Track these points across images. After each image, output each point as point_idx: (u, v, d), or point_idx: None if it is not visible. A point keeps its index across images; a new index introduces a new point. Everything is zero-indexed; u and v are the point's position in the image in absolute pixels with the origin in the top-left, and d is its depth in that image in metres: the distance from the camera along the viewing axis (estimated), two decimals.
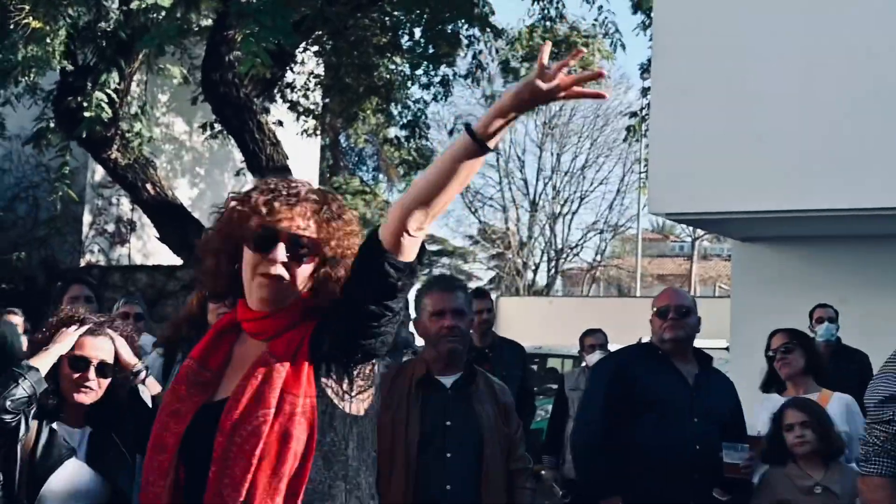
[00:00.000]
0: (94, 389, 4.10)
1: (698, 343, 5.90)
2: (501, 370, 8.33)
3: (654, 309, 5.79)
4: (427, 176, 2.79)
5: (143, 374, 4.28)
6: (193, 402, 2.84)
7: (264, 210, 2.84)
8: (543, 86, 2.67)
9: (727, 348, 10.94)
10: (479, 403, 5.02)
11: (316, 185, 3.02)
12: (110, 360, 4.17)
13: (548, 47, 2.75)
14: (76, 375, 4.09)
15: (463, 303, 5.07)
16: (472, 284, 46.50)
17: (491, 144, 2.71)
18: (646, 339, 7.09)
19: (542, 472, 9.31)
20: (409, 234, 2.78)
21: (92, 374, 4.09)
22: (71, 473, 4.00)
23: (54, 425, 4.04)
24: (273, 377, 2.81)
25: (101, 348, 4.16)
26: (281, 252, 2.83)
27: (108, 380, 4.15)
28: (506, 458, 5.05)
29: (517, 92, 2.69)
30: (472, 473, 4.88)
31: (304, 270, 2.88)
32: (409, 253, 2.83)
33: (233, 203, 2.92)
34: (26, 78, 11.54)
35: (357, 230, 3.00)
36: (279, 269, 2.83)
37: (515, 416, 5.22)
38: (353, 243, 2.94)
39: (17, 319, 7.98)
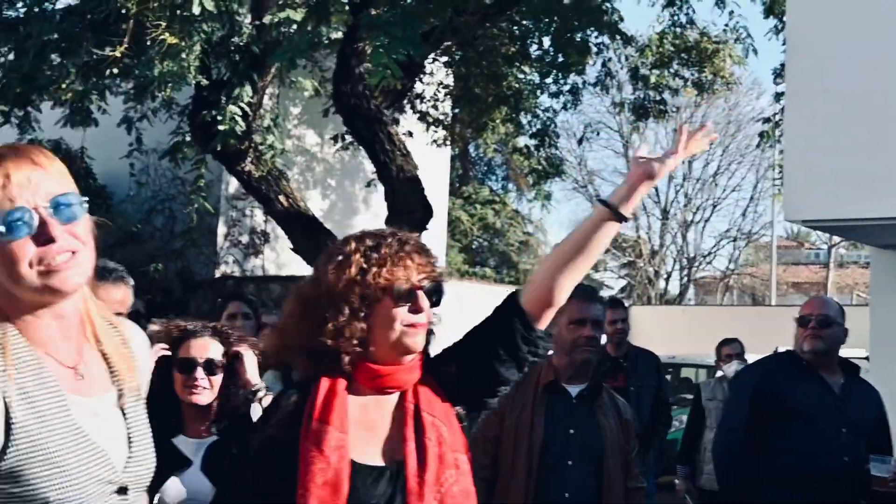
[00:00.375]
0: (205, 388, 4.14)
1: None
2: (636, 380, 8.27)
3: (797, 317, 5.70)
4: (565, 247, 3.01)
5: (261, 394, 4.29)
6: (339, 469, 2.80)
7: (401, 264, 2.95)
8: (662, 169, 2.93)
9: (866, 358, 10.66)
10: (604, 416, 5.03)
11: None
12: (218, 357, 4.19)
13: (683, 135, 2.97)
14: (184, 378, 4.14)
15: (602, 314, 5.12)
16: (604, 293, 46.25)
17: (627, 214, 2.94)
18: (783, 348, 6.94)
19: (676, 481, 9.21)
20: (554, 306, 3.01)
21: (200, 373, 4.13)
22: (187, 483, 4.03)
23: (174, 440, 4.09)
24: (442, 435, 2.91)
25: (206, 348, 4.20)
26: (425, 301, 2.96)
27: (219, 377, 4.17)
28: (624, 476, 5.03)
29: (643, 170, 2.93)
30: (591, 483, 4.89)
31: (432, 315, 3.00)
32: (546, 322, 3.05)
33: (341, 263, 2.97)
34: (163, 93, 11.76)
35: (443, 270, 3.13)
36: (429, 317, 2.97)
37: (634, 435, 5.21)
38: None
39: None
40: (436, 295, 2.98)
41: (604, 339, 8.64)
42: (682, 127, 2.96)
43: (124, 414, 2.49)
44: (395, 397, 2.99)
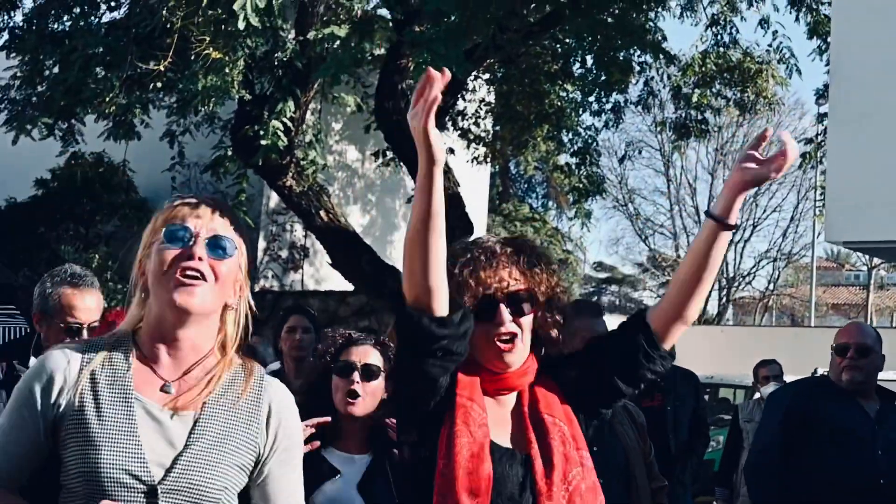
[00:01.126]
0: (361, 395, 4.11)
1: None
2: (674, 399, 8.20)
3: (834, 344, 5.58)
4: (686, 265, 3.01)
5: None
6: (483, 443, 2.89)
7: (472, 282, 2.96)
8: (753, 171, 2.93)
9: None
10: (620, 425, 4.99)
11: (502, 235, 3.13)
12: (378, 363, 4.17)
13: (768, 135, 3.02)
14: (343, 382, 4.14)
15: (604, 329, 5.02)
16: None
17: (732, 221, 2.95)
18: (822, 370, 6.86)
19: (715, 503, 9.16)
20: (684, 322, 3.01)
21: (357, 377, 4.11)
22: (336, 495, 4.03)
23: (323, 452, 4.08)
24: (564, 434, 2.98)
25: (366, 353, 4.19)
26: (506, 314, 2.95)
27: (378, 383, 4.15)
28: (648, 480, 5.03)
29: (744, 178, 2.94)
30: (622, 495, 4.82)
31: (528, 321, 3.01)
32: (672, 341, 3.07)
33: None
34: (205, 107, 11.82)
35: (555, 265, 3.14)
36: (511, 328, 2.96)
37: (647, 438, 5.18)
38: (559, 280, 3.10)
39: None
40: (520, 303, 2.98)
41: None
42: (784, 133, 3.00)
43: (192, 435, 2.65)
44: (512, 398, 3.04)
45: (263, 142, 11.52)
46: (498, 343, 2.96)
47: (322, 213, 13.47)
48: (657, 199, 46.44)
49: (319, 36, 10.68)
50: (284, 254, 18.94)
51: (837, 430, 5.39)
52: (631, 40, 12.67)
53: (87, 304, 4.62)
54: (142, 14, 10.89)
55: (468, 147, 17.55)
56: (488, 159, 18.95)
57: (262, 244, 18.34)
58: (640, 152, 34.79)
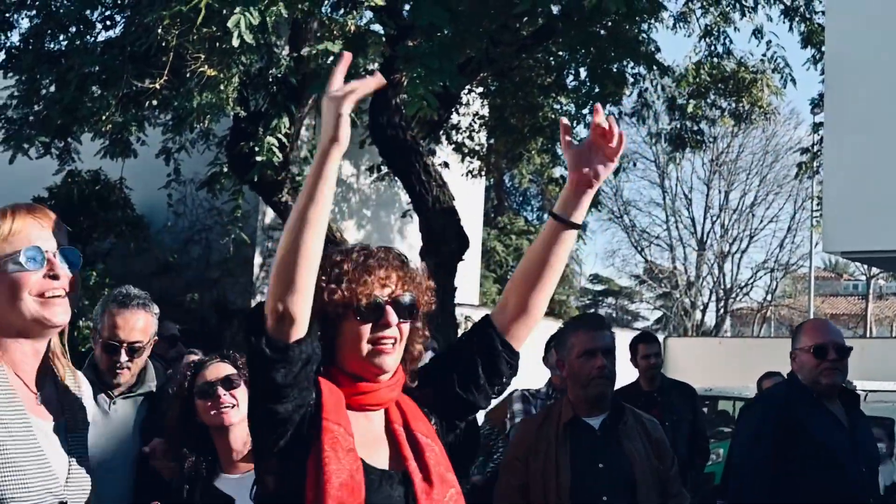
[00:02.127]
0: (231, 405, 4.17)
1: (870, 386, 5.62)
2: (671, 414, 8.22)
3: (808, 346, 5.23)
4: (529, 264, 2.98)
5: None
6: (354, 470, 2.75)
7: (362, 280, 2.87)
8: (602, 175, 2.97)
9: None
10: (630, 441, 4.89)
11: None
12: (234, 372, 4.24)
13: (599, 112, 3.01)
14: (208, 402, 4.19)
15: (612, 342, 4.97)
16: (639, 325, 46.04)
17: (578, 220, 2.95)
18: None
19: None
20: (531, 323, 2.99)
21: (220, 391, 4.18)
22: None
23: (214, 482, 4.11)
24: (436, 454, 2.89)
25: (218, 369, 4.25)
26: (392, 316, 2.87)
27: (241, 391, 4.16)
28: (661, 497, 4.89)
29: (584, 179, 2.95)
30: None
31: (408, 329, 2.94)
32: (521, 343, 3.02)
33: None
34: (201, 124, 11.85)
35: (429, 285, 3.04)
36: (395, 332, 2.87)
37: (669, 450, 5.06)
38: (432, 298, 3.02)
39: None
40: (405, 309, 2.90)
41: (636, 373, 8.60)
42: (597, 108, 3.02)
43: (68, 441, 2.85)
44: (380, 414, 2.94)
45: (259, 158, 11.55)
46: (380, 345, 2.85)
47: None
48: (653, 211, 46.52)
49: (313, 52, 10.71)
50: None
51: (825, 448, 5.07)
52: (624, 52, 12.71)
53: (130, 325, 4.73)
54: (137, 33, 10.91)
55: (462, 160, 17.59)
56: (483, 172, 18.99)
57: (258, 260, 18.36)
58: (634, 164, 34.71)
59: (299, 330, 2.66)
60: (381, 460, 2.85)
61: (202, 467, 4.10)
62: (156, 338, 4.94)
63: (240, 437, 4.10)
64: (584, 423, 4.90)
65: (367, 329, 2.86)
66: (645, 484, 4.81)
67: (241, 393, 4.12)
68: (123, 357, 4.73)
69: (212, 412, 4.14)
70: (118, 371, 4.77)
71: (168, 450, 4.20)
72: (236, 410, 4.11)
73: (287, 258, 2.64)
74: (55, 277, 2.78)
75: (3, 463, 2.63)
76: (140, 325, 4.76)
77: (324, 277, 2.84)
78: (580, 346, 4.89)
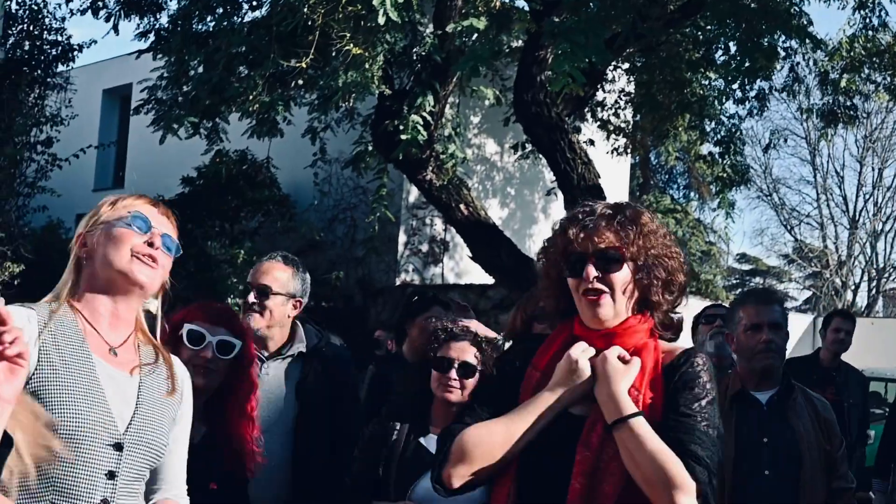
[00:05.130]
0: (456, 388, 4.25)
1: None
2: (849, 396, 8.04)
3: None
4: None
5: None
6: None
7: (565, 240, 3.06)
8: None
9: None
10: (797, 419, 4.81)
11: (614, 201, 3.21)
12: (474, 361, 4.29)
13: None
14: (440, 375, 4.28)
15: (780, 316, 4.92)
16: (787, 305, 45.16)
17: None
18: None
19: (872, 495, 8.95)
20: None
21: (454, 373, 4.25)
22: None
23: (421, 439, 4.26)
24: (638, 402, 2.94)
25: (464, 350, 4.31)
26: (591, 270, 2.99)
27: (472, 380, 4.26)
28: (826, 477, 4.81)
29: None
30: (790, 492, 4.70)
31: (618, 279, 3.02)
32: None
33: (546, 245, 3.18)
34: (346, 103, 11.91)
35: (658, 230, 3.11)
36: (596, 284, 2.99)
37: (838, 432, 4.97)
38: (658, 244, 3.07)
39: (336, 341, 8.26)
40: (601, 262, 3.00)
41: (814, 345, 8.45)
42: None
43: (140, 396, 3.03)
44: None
45: (403, 136, 11.56)
46: (584, 297, 3.01)
47: (462, 206, 13.45)
48: (803, 189, 45.69)
49: (458, 29, 10.66)
50: (425, 248, 19.03)
51: None
52: (775, 25, 12.36)
53: (262, 270, 5.10)
54: (283, 13, 10.99)
55: (608, 138, 17.44)
56: (628, 150, 18.81)
57: (402, 238, 18.46)
58: (785, 140, 34.07)
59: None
60: (584, 402, 2.99)
61: (416, 427, 4.31)
62: (299, 299, 5.10)
63: (457, 405, 4.22)
64: (751, 396, 4.89)
65: (575, 283, 3.05)
66: (810, 462, 4.74)
67: (470, 382, 4.27)
68: (251, 298, 5.01)
69: (439, 386, 4.29)
70: (249, 313, 4.98)
71: None
72: (458, 393, 4.26)
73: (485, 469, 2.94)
74: (151, 245, 3.06)
75: (58, 392, 2.84)
76: (270, 271, 5.06)
77: (548, 246, 3.15)
78: (747, 319, 4.90)
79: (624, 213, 3.07)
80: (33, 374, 2.82)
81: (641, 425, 2.83)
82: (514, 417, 2.93)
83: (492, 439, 2.91)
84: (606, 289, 2.99)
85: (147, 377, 3.09)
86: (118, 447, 2.91)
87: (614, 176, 19.17)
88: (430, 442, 4.19)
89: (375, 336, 13.35)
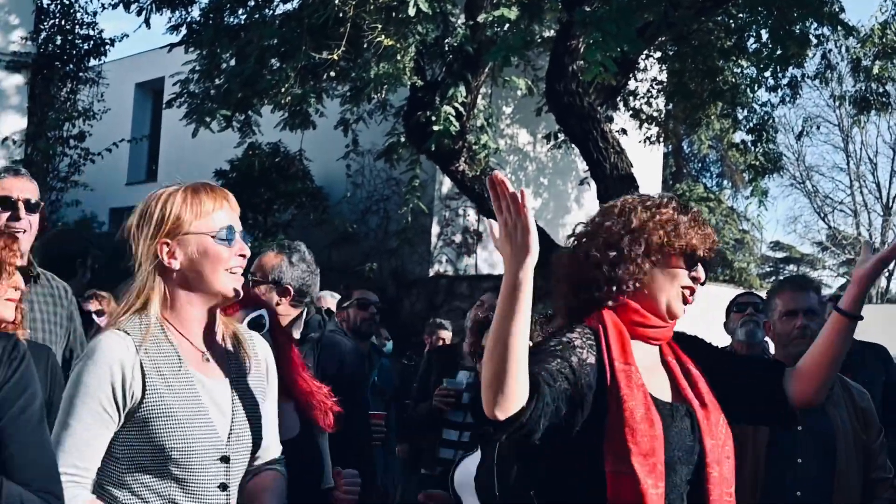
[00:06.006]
0: None
1: None
2: (864, 375, 7.96)
3: None
4: (815, 355, 3.20)
5: None
6: (648, 404, 2.96)
7: (687, 231, 3.11)
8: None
9: None
10: (834, 407, 4.73)
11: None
12: None
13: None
14: None
15: (816, 303, 4.90)
16: (822, 293, 44.86)
17: (859, 313, 3.17)
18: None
19: None
20: (812, 404, 3.27)
21: None
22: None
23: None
24: (705, 385, 3.12)
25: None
26: (702, 272, 3.14)
27: None
28: (863, 467, 4.75)
29: (869, 272, 3.20)
30: (824, 481, 4.64)
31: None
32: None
33: (647, 216, 3.12)
34: (378, 95, 11.92)
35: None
36: (695, 284, 3.14)
37: (876, 422, 4.91)
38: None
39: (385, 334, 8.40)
40: (707, 265, 3.17)
41: None
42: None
43: (233, 399, 3.03)
44: (655, 349, 3.17)
45: (436, 127, 11.57)
46: (685, 290, 3.11)
47: None
48: (836, 176, 45.22)
49: (489, 19, 10.66)
50: (458, 238, 18.99)
51: None
52: (807, 12, 12.28)
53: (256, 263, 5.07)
54: (314, 5, 11.01)
55: (640, 127, 17.38)
56: (661, 139, 18.75)
57: (435, 229, 18.44)
58: (818, 128, 33.91)
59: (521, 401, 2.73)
60: (664, 392, 3.06)
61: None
62: (286, 287, 5.07)
63: None
64: None
65: (683, 274, 3.12)
66: (846, 452, 4.68)
67: None
68: None
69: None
70: None
71: None
72: None
73: (500, 376, 2.67)
74: (243, 256, 3.07)
75: (166, 418, 2.84)
76: (258, 261, 5.05)
77: (671, 214, 3.14)
78: (783, 305, 4.89)
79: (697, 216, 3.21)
80: (141, 400, 2.84)
81: None
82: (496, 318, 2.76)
83: (491, 346, 2.70)
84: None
85: (237, 376, 3.10)
86: (225, 460, 2.95)
87: (647, 165, 19.08)
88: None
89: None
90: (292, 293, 5.05)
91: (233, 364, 3.11)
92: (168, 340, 2.96)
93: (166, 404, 2.85)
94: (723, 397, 3.15)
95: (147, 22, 13.43)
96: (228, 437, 2.97)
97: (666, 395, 3.06)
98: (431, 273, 18.43)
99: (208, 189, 3.14)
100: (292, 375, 3.92)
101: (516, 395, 2.68)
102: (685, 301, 3.13)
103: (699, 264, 3.13)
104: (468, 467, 4.12)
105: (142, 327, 2.93)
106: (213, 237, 3.02)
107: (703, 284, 3.17)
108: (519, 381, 2.68)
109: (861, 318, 3.13)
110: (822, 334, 3.17)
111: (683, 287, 3.11)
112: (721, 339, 7.05)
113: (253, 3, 12.69)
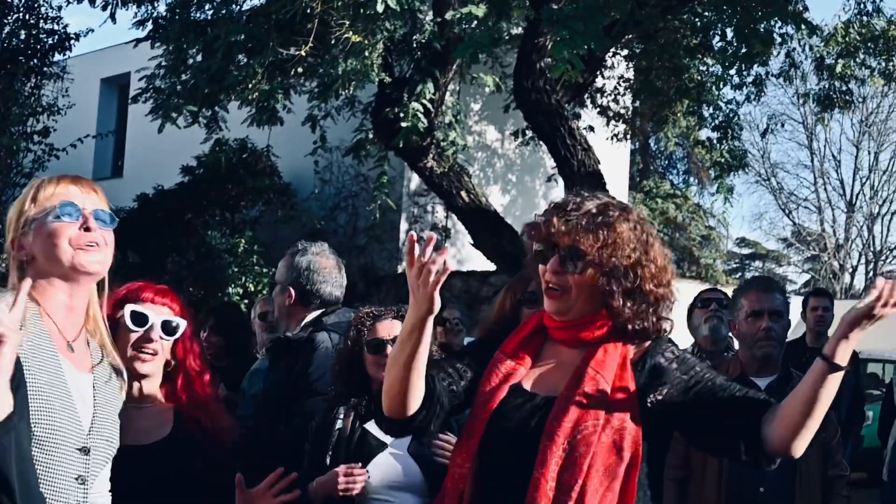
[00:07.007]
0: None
1: None
2: None
3: None
4: (793, 405, 3.10)
5: None
6: (500, 391, 3.10)
7: (543, 228, 3.15)
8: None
9: None
10: None
11: (605, 198, 3.21)
12: None
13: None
14: (376, 358, 4.29)
15: (781, 304, 4.96)
16: (787, 288, 45.16)
17: (843, 363, 3.01)
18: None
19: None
20: (791, 456, 3.16)
21: (388, 351, 4.12)
22: (390, 467, 4.15)
23: (367, 425, 4.22)
24: (601, 389, 3.00)
25: (391, 327, 4.34)
26: (554, 263, 3.10)
27: None
28: (822, 465, 4.88)
29: (854, 321, 3.05)
30: (786, 478, 4.73)
31: (579, 280, 3.08)
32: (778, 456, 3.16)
33: (535, 223, 3.23)
34: (346, 91, 11.90)
35: (637, 239, 3.13)
36: (552, 278, 3.11)
37: (834, 421, 4.99)
38: (628, 254, 3.09)
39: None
40: (566, 259, 3.09)
41: (803, 328, 8.41)
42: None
43: (96, 393, 3.02)
44: (578, 352, 3.14)
45: (404, 124, 11.56)
46: (546, 290, 3.14)
47: (463, 193, 13.47)
48: (801, 173, 45.52)
49: (457, 16, 10.65)
50: (426, 235, 19.00)
51: None
52: (772, 11, 12.36)
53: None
54: (282, 1, 10.99)
55: (607, 124, 17.43)
56: (628, 136, 18.83)
57: (403, 226, 18.42)
58: (782, 125, 33.97)
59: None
60: (544, 386, 3.10)
61: (361, 413, 4.27)
62: (289, 286, 5.27)
63: None
64: (750, 381, 4.90)
65: (540, 270, 3.17)
66: (807, 449, 4.74)
67: None
68: None
69: (373, 368, 4.27)
70: None
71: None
72: None
73: (391, 391, 3.03)
74: (87, 230, 3.01)
75: (33, 396, 2.78)
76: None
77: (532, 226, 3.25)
78: (749, 306, 4.94)
79: (607, 216, 3.11)
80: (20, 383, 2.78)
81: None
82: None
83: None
84: (564, 285, 3.10)
85: (99, 372, 3.08)
86: (85, 451, 2.92)
87: (614, 162, 19.14)
88: (373, 428, 4.20)
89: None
90: (293, 294, 5.06)
91: (96, 363, 3.10)
92: (38, 319, 2.94)
93: (34, 379, 2.81)
94: (693, 425, 3.16)
95: (113, 17, 13.34)
96: (90, 430, 2.94)
97: (543, 389, 3.10)
98: (400, 269, 18.40)
99: (57, 179, 3.13)
100: (202, 385, 3.86)
101: (407, 406, 3.01)
102: (547, 296, 3.16)
103: (553, 258, 3.13)
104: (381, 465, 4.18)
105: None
106: (49, 216, 3.00)
107: (562, 277, 3.11)
108: (409, 395, 2.99)
109: (843, 369, 3.03)
110: (800, 387, 3.10)
111: (545, 282, 3.15)
112: (687, 336, 7.09)
113: None
